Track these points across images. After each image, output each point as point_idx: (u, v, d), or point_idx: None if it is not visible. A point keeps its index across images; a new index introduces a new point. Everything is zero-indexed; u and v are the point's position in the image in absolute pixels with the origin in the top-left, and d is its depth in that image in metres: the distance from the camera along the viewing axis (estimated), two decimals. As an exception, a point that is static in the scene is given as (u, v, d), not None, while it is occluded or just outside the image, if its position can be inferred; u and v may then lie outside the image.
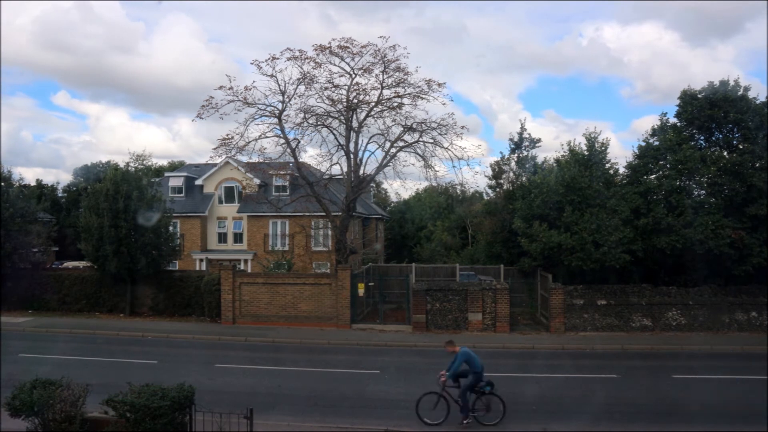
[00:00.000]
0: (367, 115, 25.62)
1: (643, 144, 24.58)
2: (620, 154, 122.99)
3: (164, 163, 59.99)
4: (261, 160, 26.45)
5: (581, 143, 25.11)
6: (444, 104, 35.42)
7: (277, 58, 24.17)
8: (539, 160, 31.22)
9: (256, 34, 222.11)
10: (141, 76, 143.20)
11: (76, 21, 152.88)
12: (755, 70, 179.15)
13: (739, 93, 22.91)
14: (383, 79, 24.95)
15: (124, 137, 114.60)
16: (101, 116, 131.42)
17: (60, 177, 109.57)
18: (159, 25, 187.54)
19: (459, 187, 46.02)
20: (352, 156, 25.76)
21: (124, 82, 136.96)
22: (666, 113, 25.09)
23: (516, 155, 30.97)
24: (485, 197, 41.30)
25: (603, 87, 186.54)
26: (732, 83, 23.13)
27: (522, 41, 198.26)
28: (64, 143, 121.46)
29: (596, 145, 24.60)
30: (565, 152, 25.93)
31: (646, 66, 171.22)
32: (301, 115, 25.22)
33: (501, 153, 45.76)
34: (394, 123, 25.51)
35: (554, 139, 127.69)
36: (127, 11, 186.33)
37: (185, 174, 38.73)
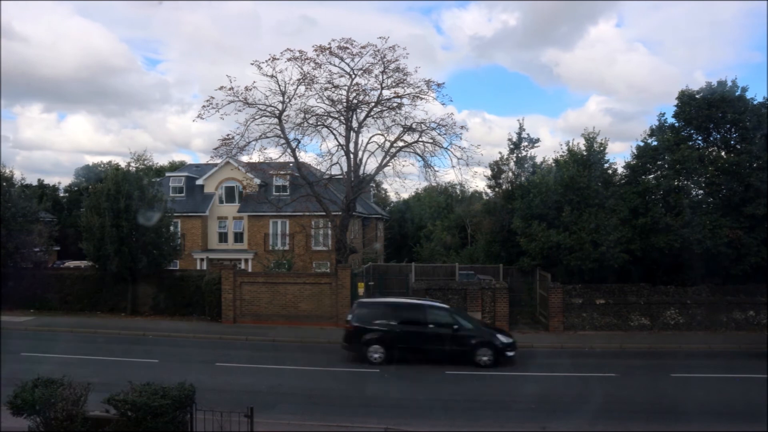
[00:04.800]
0: (366, 116, 25.72)
1: (642, 144, 24.68)
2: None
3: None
4: (261, 160, 26.56)
5: (580, 143, 25.27)
6: (443, 104, 35.49)
7: (278, 59, 24.34)
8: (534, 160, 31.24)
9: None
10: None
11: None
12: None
13: (737, 93, 23.00)
14: (383, 80, 25.07)
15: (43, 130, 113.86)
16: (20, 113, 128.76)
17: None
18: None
19: (458, 187, 46.06)
20: (352, 156, 25.85)
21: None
22: (664, 113, 25.07)
23: (515, 155, 31.07)
24: (484, 197, 41.35)
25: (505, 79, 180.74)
26: (729, 84, 23.23)
27: (387, 32, 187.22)
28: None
29: (595, 145, 24.72)
30: (563, 152, 26.07)
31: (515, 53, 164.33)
32: (302, 115, 25.37)
33: (500, 153, 45.67)
34: (393, 123, 25.65)
35: (486, 134, 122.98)
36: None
37: (186, 174, 38.90)
